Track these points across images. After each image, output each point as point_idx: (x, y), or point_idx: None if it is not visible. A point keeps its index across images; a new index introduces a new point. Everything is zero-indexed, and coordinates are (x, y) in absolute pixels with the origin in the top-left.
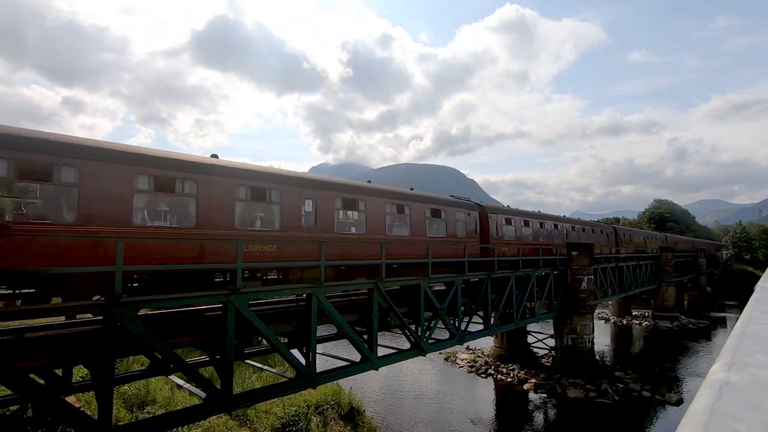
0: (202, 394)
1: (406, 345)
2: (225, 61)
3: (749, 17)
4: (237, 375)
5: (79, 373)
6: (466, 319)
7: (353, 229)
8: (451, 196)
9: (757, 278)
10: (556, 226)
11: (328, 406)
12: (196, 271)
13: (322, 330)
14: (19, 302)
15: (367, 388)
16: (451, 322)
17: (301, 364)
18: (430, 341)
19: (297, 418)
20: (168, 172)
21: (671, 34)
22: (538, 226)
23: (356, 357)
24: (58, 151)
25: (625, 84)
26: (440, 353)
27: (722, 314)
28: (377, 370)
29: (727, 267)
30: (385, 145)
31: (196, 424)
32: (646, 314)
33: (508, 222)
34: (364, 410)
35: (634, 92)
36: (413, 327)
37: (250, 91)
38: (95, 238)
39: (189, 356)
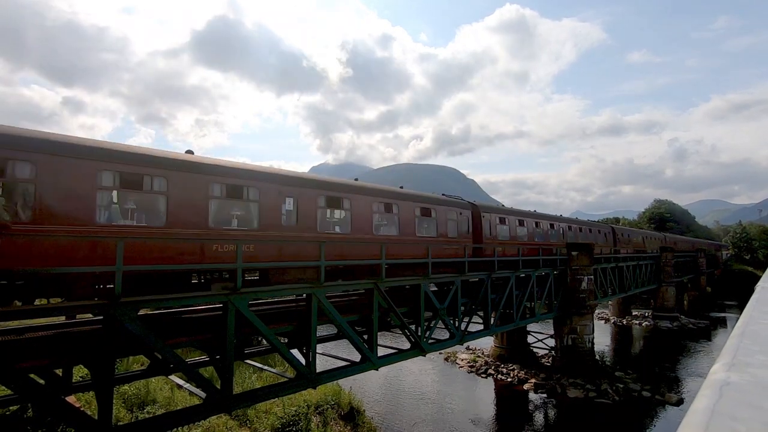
0: (202, 394)
1: (406, 345)
2: (225, 61)
3: (749, 17)
4: (237, 375)
5: (79, 373)
6: (466, 319)
7: (338, 229)
8: (443, 194)
9: (757, 278)
10: (552, 225)
11: (328, 406)
12: (170, 273)
13: (322, 330)
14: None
15: (367, 388)
16: (451, 322)
17: (301, 364)
18: (430, 341)
19: (297, 418)
20: (135, 168)
21: (671, 34)
22: (534, 225)
23: (356, 357)
24: (11, 145)
25: (626, 84)
26: (440, 353)
27: (722, 314)
28: (377, 370)
29: (727, 267)
30: (385, 145)
31: (196, 424)
32: (646, 314)
33: (502, 221)
34: (364, 410)
35: (634, 92)
36: (413, 327)
37: (250, 91)
38: (54, 237)
39: (189, 356)
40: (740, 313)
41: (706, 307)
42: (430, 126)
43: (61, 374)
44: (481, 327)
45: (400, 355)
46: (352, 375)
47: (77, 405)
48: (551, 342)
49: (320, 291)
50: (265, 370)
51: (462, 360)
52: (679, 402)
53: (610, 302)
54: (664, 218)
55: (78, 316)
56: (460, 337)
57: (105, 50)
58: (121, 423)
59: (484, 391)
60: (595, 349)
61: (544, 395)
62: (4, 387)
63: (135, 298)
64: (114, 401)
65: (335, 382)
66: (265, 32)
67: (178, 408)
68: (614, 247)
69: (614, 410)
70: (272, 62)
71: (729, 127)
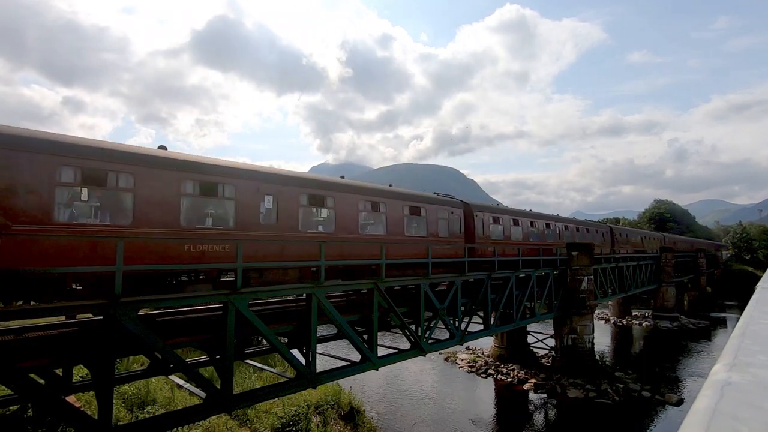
0: (202, 394)
1: (406, 345)
2: (225, 60)
3: (749, 17)
4: (237, 375)
5: (79, 373)
6: (466, 319)
7: (321, 228)
8: (435, 193)
9: (757, 278)
10: (548, 225)
11: (328, 406)
12: (143, 274)
13: (322, 330)
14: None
15: (367, 388)
16: (451, 322)
17: (301, 364)
18: (430, 341)
19: (297, 418)
20: (99, 164)
21: (672, 34)
22: (529, 225)
23: (356, 357)
24: None
25: (626, 84)
26: (440, 353)
27: (722, 314)
28: (377, 370)
29: (727, 267)
30: (385, 145)
31: (196, 424)
32: (646, 314)
33: (496, 221)
34: (364, 410)
35: (634, 92)
36: (413, 327)
37: (251, 90)
38: (6, 235)
39: (189, 356)
40: (740, 314)
41: (706, 307)
42: (430, 126)
43: (61, 374)
44: (481, 327)
45: (400, 355)
46: (352, 375)
47: (77, 405)
48: (551, 342)
49: (320, 291)
50: (265, 370)
51: (462, 360)
52: (679, 402)
53: (610, 302)
54: (665, 218)
55: (78, 316)
56: (460, 337)
57: (105, 50)
58: (121, 423)
59: (484, 391)
60: (595, 349)
61: (544, 395)
62: (4, 387)
63: (135, 298)
64: (114, 401)
65: (335, 382)
66: (265, 32)
67: (178, 408)
68: (612, 247)
69: (614, 410)
70: (272, 62)
71: (729, 128)
